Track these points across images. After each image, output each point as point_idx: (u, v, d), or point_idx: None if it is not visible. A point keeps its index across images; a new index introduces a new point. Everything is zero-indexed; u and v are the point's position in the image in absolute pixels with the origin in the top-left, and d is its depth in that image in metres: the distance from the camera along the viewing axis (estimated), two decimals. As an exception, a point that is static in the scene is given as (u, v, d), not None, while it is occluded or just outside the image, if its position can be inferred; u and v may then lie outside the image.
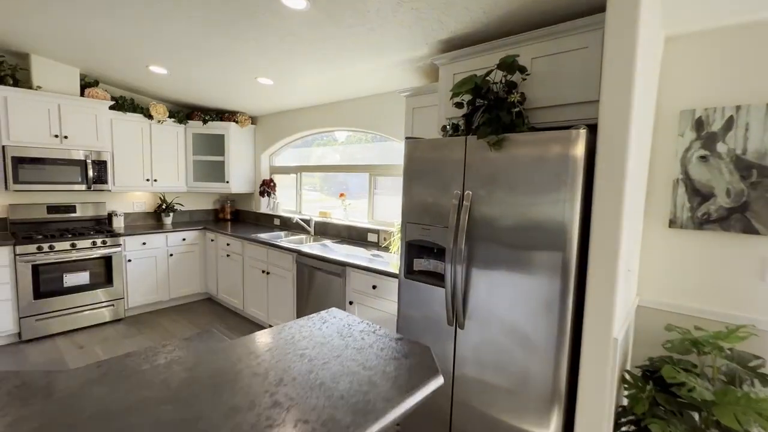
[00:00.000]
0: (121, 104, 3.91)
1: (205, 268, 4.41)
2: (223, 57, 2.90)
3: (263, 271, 3.50)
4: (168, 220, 4.49)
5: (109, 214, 4.13)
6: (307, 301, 3.07)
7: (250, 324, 3.77)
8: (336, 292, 2.81)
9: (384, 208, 3.54)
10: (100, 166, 3.75)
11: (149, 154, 4.16)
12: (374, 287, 2.53)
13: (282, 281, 3.33)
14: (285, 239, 3.78)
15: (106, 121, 3.77)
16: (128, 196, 4.31)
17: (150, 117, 4.09)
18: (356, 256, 2.89)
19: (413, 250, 2.09)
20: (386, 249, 3.16)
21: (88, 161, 3.65)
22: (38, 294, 3.28)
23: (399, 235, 2.55)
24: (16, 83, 3.29)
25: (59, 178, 3.52)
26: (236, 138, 4.53)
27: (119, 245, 3.71)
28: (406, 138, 2.09)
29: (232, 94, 3.85)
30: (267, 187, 4.53)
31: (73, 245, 3.43)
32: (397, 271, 2.37)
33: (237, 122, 4.49)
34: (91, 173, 3.66)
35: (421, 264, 2.10)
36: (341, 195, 3.75)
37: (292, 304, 3.22)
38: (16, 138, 3.27)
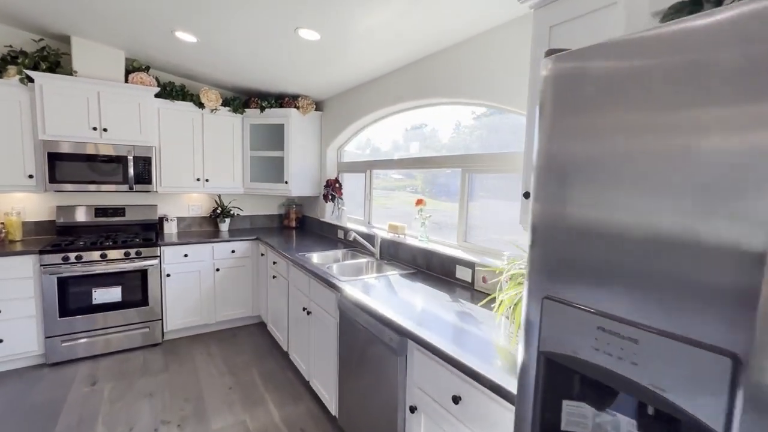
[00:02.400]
0: (169, 91, 3.35)
1: (258, 286, 3.64)
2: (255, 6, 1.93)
3: (304, 309, 2.48)
4: (224, 227, 3.85)
5: (160, 218, 3.65)
6: (353, 374, 1.92)
7: (292, 372, 2.81)
8: (390, 378, 1.59)
9: (484, 226, 2.19)
10: (144, 163, 3.22)
11: (201, 150, 3.54)
12: (457, 400, 1.24)
13: (324, 329, 2.25)
14: (341, 263, 2.71)
15: (151, 111, 3.23)
16: (183, 198, 3.79)
17: (201, 105, 3.47)
18: (429, 316, 1.63)
19: (552, 374, 0.75)
20: (483, 294, 1.82)
21: (130, 157, 3.14)
22: (64, 311, 2.82)
23: (511, 283, 1.28)
24: (52, 69, 2.89)
25: (98, 176, 3.06)
26: (298, 128, 3.66)
27: (157, 257, 3.12)
28: (552, 53, 0.77)
29: (286, 69, 2.95)
30: (331, 189, 3.55)
31: (103, 256, 2.92)
32: (503, 368, 1.05)
33: (298, 108, 3.61)
34: (132, 171, 3.15)
35: (574, 413, 0.75)
36: (418, 202, 2.50)
37: (334, 368, 2.11)
38: (53, 131, 2.88)
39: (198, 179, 3.54)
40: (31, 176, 2.89)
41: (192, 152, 3.50)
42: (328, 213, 3.75)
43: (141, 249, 3.06)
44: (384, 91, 2.83)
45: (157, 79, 3.32)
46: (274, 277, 3.10)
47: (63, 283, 2.80)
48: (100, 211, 3.35)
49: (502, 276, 1.62)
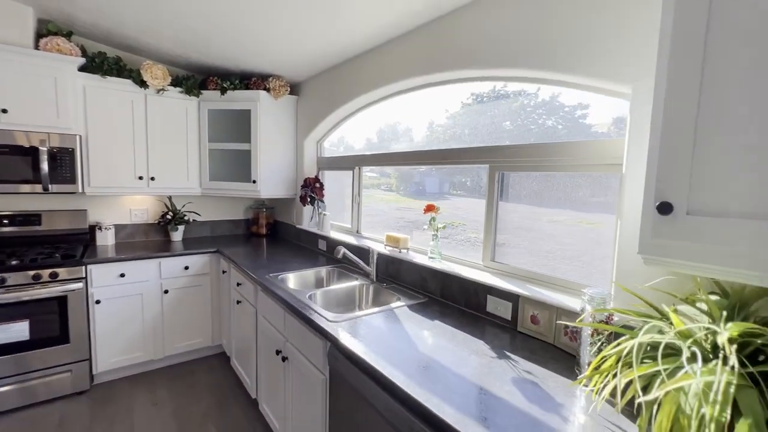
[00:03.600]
0: (98, 64, 2.60)
1: (219, 310, 2.96)
2: None
3: (278, 353, 1.85)
4: (177, 236, 3.13)
5: (91, 226, 2.88)
6: (350, 459, 1.32)
7: (262, 428, 2.17)
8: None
9: (517, 243, 1.64)
10: (64, 156, 2.47)
11: (144, 140, 2.81)
12: None
13: (307, 386, 1.63)
14: (327, 289, 2.12)
15: (73, 88, 2.48)
16: (124, 202, 3.04)
17: (144, 84, 2.74)
18: (471, 388, 1.06)
19: None
20: (532, 339, 1.29)
21: (43, 149, 2.38)
22: (-58, 359, 2.05)
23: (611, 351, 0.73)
24: None
25: (1, 174, 2.29)
26: (268, 115, 3.00)
27: (81, 278, 2.38)
28: None
29: (254, 36, 2.29)
30: (310, 190, 2.92)
31: (0, 281, 2.16)
32: None
33: (269, 90, 2.95)
34: (47, 167, 2.39)
35: None
36: (429, 208, 1.93)
37: (321, 441, 1.51)
38: (-76, 111, 2.09)
39: (140, 177, 2.81)
40: None
41: (132, 143, 2.77)
42: (306, 219, 3.12)
43: (57, 269, 2.31)
44: (384, 65, 2.23)
45: (82, 49, 2.56)
46: (238, 302, 2.44)
47: (-61, 321, 2.03)
48: (3, 220, 2.56)
49: (585, 324, 1.08)
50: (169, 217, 3.07)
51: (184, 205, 3.20)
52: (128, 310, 2.59)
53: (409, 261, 2.00)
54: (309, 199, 2.93)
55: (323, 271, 2.35)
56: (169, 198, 3.14)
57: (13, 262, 2.24)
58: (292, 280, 2.20)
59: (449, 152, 1.95)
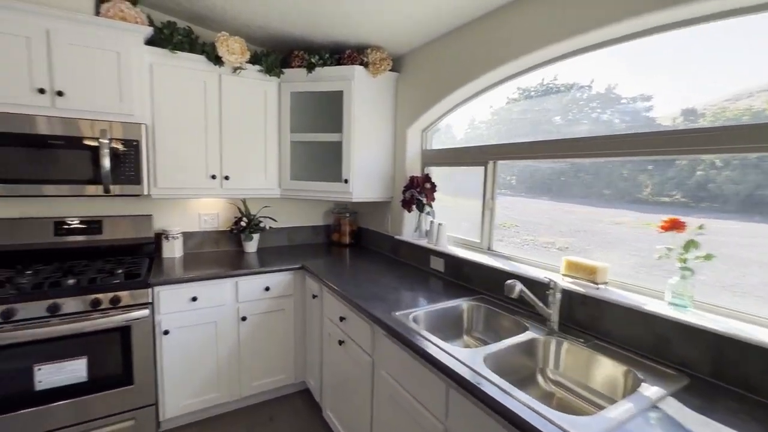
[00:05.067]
0: (167, 36, 2.11)
1: (304, 339, 2.39)
2: None
3: (432, 446, 1.21)
4: (251, 246, 2.61)
5: (157, 235, 2.42)
6: None
7: None
8: None
9: None
10: (127, 150, 1.99)
11: (217, 131, 2.30)
12: None
13: None
14: (496, 349, 1.46)
15: (139, 65, 1.99)
16: (192, 205, 2.56)
17: (219, 61, 2.21)
18: None
19: None
20: None
21: (105, 140, 1.90)
22: (-15, 408, 1.62)
23: None
24: (-35, -15, 1.67)
25: (52, 171, 1.84)
26: (364, 97, 2.39)
27: (147, 304, 1.89)
28: None
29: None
30: (418, 192, 2.27)
31: (52, 309, 1.70)
32: None
33: (366, 65, 2.33)
34: (108, 163, 1.92)
35: None
36: (673, 225, 1.19)
37: None
38: (-32, 94, 1.66)
39: (213, 176, 2.30)
40: (-70, 172, 1.68)
41: (204, 135, 2.26)
42: (407, 228, 2.47)
43: (120, 293, 1.83)
44: (543, 15, 1.52)
45: (149, 18, 2.08)
46: (341, 342, 1.83)
47: (-19, 360, 1.59)
48: (62, 228, 2.14)
49: None
50: (243, 223, 2.55)
51: (259, 210, 2.67)
52: (201, 341, 2.08)
53: (621, 304, 1.28)
54: (416, 204, 2.28)
55: (462, 306, 1.68)
56: (243, 201, 2.62)
57: (70, 282, 1.78)
58: (423, 320, 1.55)
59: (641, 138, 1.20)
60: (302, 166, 2.57)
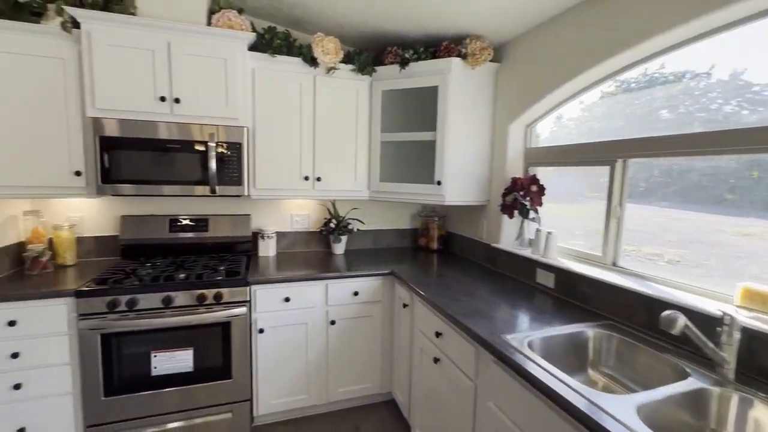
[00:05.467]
0: (268, 41, 2.16)
1: (392, 349, 2.29)
2: None
3: None
4: (339, 248, 2.59)
5: (254, 233, 2.52)
6: None
7: None
8: None
9: None
10: (232, 153, 2.08)
11: (310, 132, 2.30)
12: None
13: None
14: (651, 399, 1.16)
15: (243, 71, 2.07)
16: (285, 206, 2.62)
17: (314, 62, 2.21)
18: None
19: None
20: None
21: (212, 144, 2.01)
22: (111, 387, 1.78)
23: None
24: (106, 6, 1.87)
25: (169, 173, 1.99)
26: (461, 90, 2.20)
27: (245, 302, 1.94)
28: None
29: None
30: (523, 195, 2.01)
31: (166, 302, 1.82)
32: None
33: (465, 57, 2.14)
34: (215, 165, 2.02)
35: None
36: None
37: None
38: (105, 104, 1.86)
39: (306, 178, 2.31)
40: (78, 173, 1.92)
41: (299, 136, 2.28)
42: (507, 235, 2.22)
43: (222, 290, 1.90)
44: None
45: (252, 25, 2.15)
46: (436, 360, 1.67)
47: (108, 343, 1.76)
48: (176, 224, 2.33)
49: None
50: (332, 225, 2.54)
51: (348, 212, 2.64)
52: (292, 342, 2.08)
53: None
54: (519, 209, 2.02)
55: (587, 334, 1.40)
56: (333, 203, 2.61)
57: (181, 276, 1.90)
58: (539, 347, 1.32)
59: None
60: (391, 167, 2.47)
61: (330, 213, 2.59)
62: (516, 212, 2.05)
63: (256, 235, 2.49)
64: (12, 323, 1.64)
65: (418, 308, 1.88)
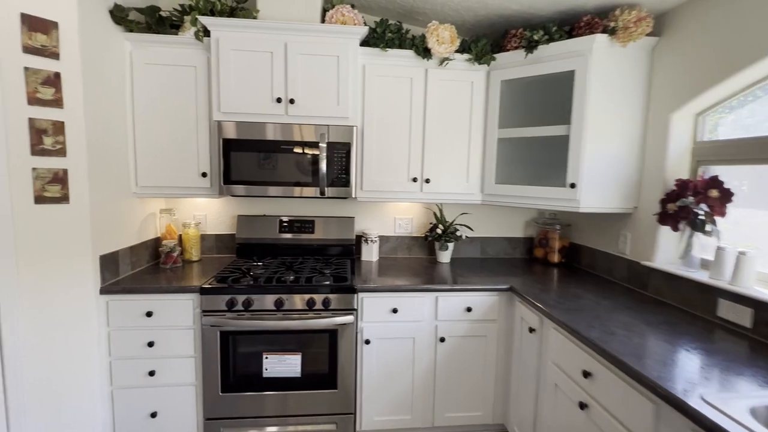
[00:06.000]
0: (380, 35, 2.04)
1: (508, 376, 2.00)
2: None
3: None
4: (445, 256, 2.38)
5: (357, 237, 2.44)
6: None
7: None
8: None
9: None
10: (341, 153, 2.01)
11: (420, 130, 2.13)
12: None
13: None
14: None
15: (354, 67, 1.98)
16: (388, 209, 2.50)
17: (426, 54, 2.04)
18: None
19: None
20: None
21: (323, 144, 1.96)
22: (227, 383, 1.82)
23: None
24: (233, 13, 1.93)
25: (282, 174, 1.99)
26: (604, 74, 1.81)
27: (352, 310, 1.85)
28: None
29: None
30: (697, 201, 1.56)
31: (278, 304, 1.80)
32: None
33: (613, 32, 1.75)
34: (324, 167, 1.96)
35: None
36: None
37: None
38: (229, 107, 1.92)
39: (414, 179, 2.15)
40: (204, 174, 2.02)
41: (407, 135, 2.13)
42: (666, 252, 1.77)
43: (330, 296, 1.83)
44: None
45: (363, 21, 2.05)
46: (583, 406, 1.35)
47: (226, 340, 1.80)
48: (284, 225, 2.35)
49: None
50: (439, 231, 2.33)
51: (455, 218, 2.42)
52: (398, 357, 1.93)
53: None
54: (691, 219, 1.58)
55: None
56: (440, 207, 2.41)
57: (292, 279, 1.88)
58: (765, 418, 0.93)
59: None
60: (509, 167, 2.18)
61: (436, 218, 2.39)
62: (683, 223, 1.60)
63: (360, 239, 2.41)
64: (149, 314, 1.76)
65: (550, 336, 1.57)
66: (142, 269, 2.04)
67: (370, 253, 2.37)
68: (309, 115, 1.97)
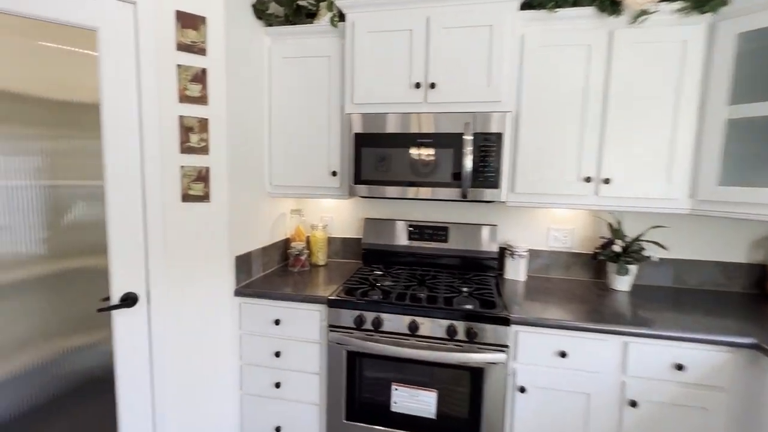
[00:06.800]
0: (547, -8, 1.58)
1: (740, 473, 1.33)
2: None
3: None
4: (622, 283, 1.78)
5: (501, 249, 2.01)
6: None
7: None
8: None
9: None
10: (489, 146, 1.62)
11: (598, 113, 1.60)
12: None
13: None
14: None
15: (510, 38, 1.57)
16: (539, 217, 2.00)
17: (615, 9, 1.50)
18: None
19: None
20: None
21: (467, 137, 1.59)
22: (352, 410, 1.60)
23: None
24: None
25: (416, 172, 1.70)
26: None
27: (504, 347, 1.43)
28: None
29: None
30: None
31: (412, 327, 1.50)
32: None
33: None
34: (470, 164, 1.60)
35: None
36: None
37: None
38: (363, 97, 1.72)
39: (587, 179, 1.62)
40: (334, 173, 1.85)
41: (579, 121, 1.62)
42: None
43: (474, 325, 1.45)
44: None
45: (523, -22, 1.62)
46: None
47: (353, 362, 1.58)
48: (415, 232, 2.06)
49: None
50: (617, 248, 1.75)
51: (646, 230, 1.79)
52: (564, 416, 1.45)
53: None
54: None
55: None
56: (616, 217, 1.81)
57: (425, 296, 1.56)
58: None
59: None
60: (743, 162, 1.48)
61: (612, 230, 1.80)
62: None
63: (503, 252, 1.97)
64: (277, 322, 1.65)
65: None
66: (272, 271, 1.98)
67: (516, 271, 1.92)
68: (452, 101, 1.63)
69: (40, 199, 1.25)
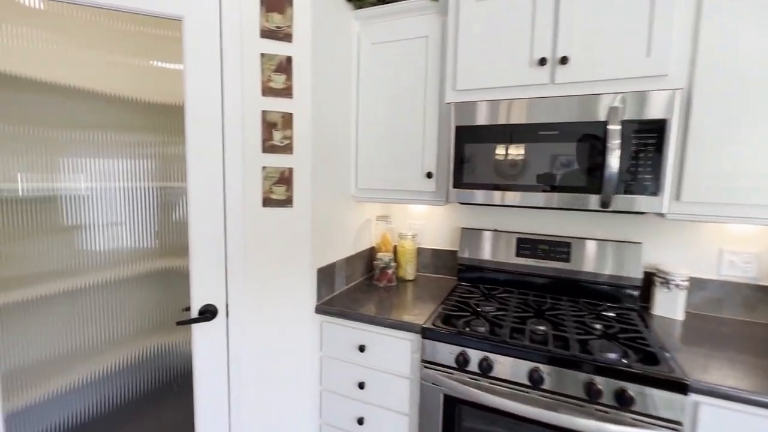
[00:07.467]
0: None
1: None
2: None
3: None
4: None
5: (647, 275, 1.52)
6: None
7: None
8: None
9: None
10: (645, 138, 1.18)
11: (837, 84, 1.06)
12: None
13: None
14: None
15: (686, -14, 1.12)
16: (708, 234, 1.47)
17: None
18: None
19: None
20: None
21: (612, 127, 1.18)
22: (449, 469, 1.29)
23: None
24: (481, -50, 1.38)
25: (535, 175, 1.33)
26: None
27: (674, 425, 1.00)
28: None
29: None
30: None
31: (534, 379, 1.14)
32: None
33: None
34: (616, 162, 1.18)
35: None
36: None
37: None
38: (467, 82, 1.40)
39: (811, 182, 1.09)
40: (429, 175, 1.57)
41: (798, 96, 1.10)
42: None
43: (628, 386, 1.04)
44: None
45: None
46: None
47: (452, 408, 1.27)
48: (525, 246, 1.68)
49: None
50: None
51: None
52: None
53: None
54: None
55: None
56: None
57: (543, 330, 1.19)
58: None
59: None
60: None
61: (841, 258, 1.22)
62: None
63: (649, 278, 1.49)
64: (362, 348, 1.42)
65: None
66: (355, 284, 1.77)
67: (671, 306, 1.42)
68: (591, 79, 1.23)
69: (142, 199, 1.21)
